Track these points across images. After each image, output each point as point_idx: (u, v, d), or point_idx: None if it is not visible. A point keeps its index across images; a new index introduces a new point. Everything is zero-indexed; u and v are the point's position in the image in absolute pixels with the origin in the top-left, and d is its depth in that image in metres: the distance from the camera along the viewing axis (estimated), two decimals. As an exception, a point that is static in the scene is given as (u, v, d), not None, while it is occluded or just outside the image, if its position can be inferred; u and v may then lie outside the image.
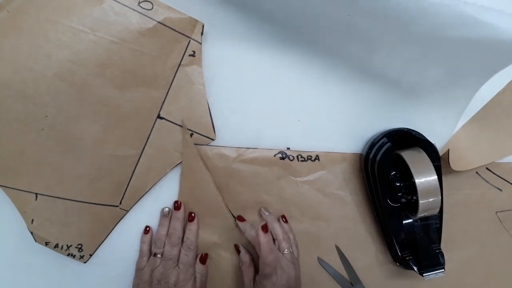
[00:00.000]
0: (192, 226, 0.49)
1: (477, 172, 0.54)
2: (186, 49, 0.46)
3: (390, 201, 0.49)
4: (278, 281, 0.44)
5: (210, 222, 0.51)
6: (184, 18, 0.45)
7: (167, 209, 0.50)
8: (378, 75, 0.49)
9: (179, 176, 0.50)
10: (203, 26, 0.46)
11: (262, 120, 0.50)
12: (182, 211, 0.50)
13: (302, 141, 0.51)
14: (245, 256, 0.49)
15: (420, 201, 0.44)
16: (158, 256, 0.47)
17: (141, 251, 0.50)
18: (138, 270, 0.49)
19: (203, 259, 0.50)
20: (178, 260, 0.47)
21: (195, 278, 0.48)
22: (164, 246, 0.48)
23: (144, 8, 0.44)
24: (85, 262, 0.50)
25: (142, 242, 0.50)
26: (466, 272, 0.55)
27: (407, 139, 0.48)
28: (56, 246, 0.48)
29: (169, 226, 0.49)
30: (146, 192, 0.50)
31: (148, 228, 0.50)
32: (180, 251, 0.48)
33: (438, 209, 0.45)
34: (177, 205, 0.49)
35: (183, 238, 0.49)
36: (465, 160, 0.51)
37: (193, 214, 0.50)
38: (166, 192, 0.51)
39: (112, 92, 0.45)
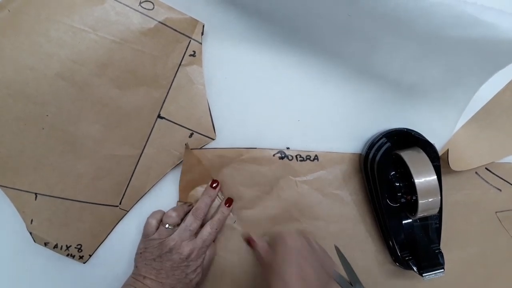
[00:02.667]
0: (226, 211, 0.50)
1: (476, 172, 0.54)
2: (186, 49, 0.47)
3: (389, 201, 0.49)
4: None
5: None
6: (184, 18, 0.45)
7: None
8: (378, 75, 0.49)
9: (179, 176, 0.50)
10: (203, 26, 0.46)
11: (262, 120, 0.50)
12: (216, 191, 0.50)
13: (302, 141, 0.51)
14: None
15: (420, 201, 0.44)
16: (171, 228, 0.47)
17: (152, 217, 0.49)
18: (146, 237, 0.47)
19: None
20: (195, 234, 0.47)
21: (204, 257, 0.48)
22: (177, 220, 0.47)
23: (145, 8, 0.44)
24: (84, 263, 0.50)
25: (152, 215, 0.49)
26: (465, 272, 0.55)
27: (406, 139, 0.48)
28: (56, 246, 0.48)
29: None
30: (146, 192, 0.50)
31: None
32: (206, 225, 0.48)
33: (437, 209, 0.45)
34: (214, 185, 0.50)
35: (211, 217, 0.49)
36: (465, 160, 0.52)
37: (229, 203, 0.50)
38: (166, 192, 0.51)
39: (113, 91, 0.45)
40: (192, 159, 0.49)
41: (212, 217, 0.49)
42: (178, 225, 0.47)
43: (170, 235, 0.46)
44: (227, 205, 0.50)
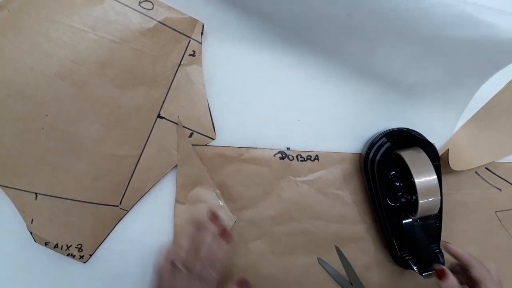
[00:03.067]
0: (223, 244, 0.44)
1: (476, 172, 0.54)
2: (186, 49, 0.47)
3: (389, 201, 0.49)
4: None
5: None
6: (184, 18, 0.45)
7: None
8: (378, 75, 0.49)
9: (176, 175, 0.50)
10: (203, 26, 0.46)
11: (262, 119, 0.50)
12: (217, 226, 0.44)
13: (302, 141, 0.51)
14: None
15: (420, 201, 0.44)
16: (180, 267, 0.42)
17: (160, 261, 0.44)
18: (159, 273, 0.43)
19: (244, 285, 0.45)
20: (200, 275, 0.42)
21: None
22: (187, 258, 0.43)
23: (144, 8, 0.44)
24: (85, 262, 0.50)
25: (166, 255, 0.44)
26: (465, 271, 0.55)
27: (406, 139, 0.48)
28: (56, 246, 0.48)
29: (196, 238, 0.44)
30: (146, 192, 0.50)
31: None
32: (204, 267, 0.43)
33: (437, 209, 0.45)
34: (213, 217, 0.45)
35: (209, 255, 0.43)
36: (465, 160, 0.52)
37: (227, 232, 0.44)
38: (166, 192, 0.50)
39: (112, 91, 0.45)
40: (187, 147, 0.49)
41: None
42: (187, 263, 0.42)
43: (179, 279, 0.42)
44: (225, 237, 0.44)
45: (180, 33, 0.46)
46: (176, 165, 0.49)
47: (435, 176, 0.44)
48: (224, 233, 0.44)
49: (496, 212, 0.55)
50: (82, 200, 0.48)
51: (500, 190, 0.55)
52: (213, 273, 0.43)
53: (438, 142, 0.52)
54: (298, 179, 0.52)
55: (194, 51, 0.47)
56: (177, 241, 0.45)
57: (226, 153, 0.50)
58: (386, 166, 0.48)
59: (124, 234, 0.50)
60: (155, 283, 0.44)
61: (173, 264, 0.42)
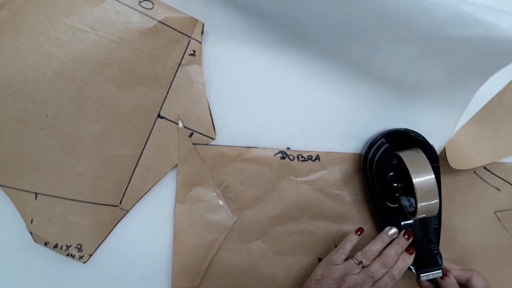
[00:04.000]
0: (409, 259, 0.47)
1: (475, 172, 0.54)
2: (186, 49, 0.47)
3: (388, 201, 0.49)
4: None
5: (210, 219, 0.51)
6: (184, 18, 0.45)
7: (394, 230, 0.49)
8: (378, 75, 0.49)
9: (176, 174, 0.50)
10: (203, 25, 0.46)
11: (262, 119, 0.50)
12: (409, 242, 0.48)
13: (302, 141, 0.51)
14: None
15: (419, 203, 0.43)
16: (360, 266, 0.46)
17: (342, 247, 0.48)
18: (330, 262, 0.47)
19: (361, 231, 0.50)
20: (376, 282, 0.45)
21: None
22: (372, 261, 0.46)
23: (144, 8, 0.44)
24: (84, 263, 0.50)
25: (349, 240, 0.49)
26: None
27: (406, 140, 0.48)
28: (56, 246, 0.48)
29: (386, 246, 0.48)
30: (146, 192, 0.50)
31: (360, 231, 0.49)
32: (384, 275, 0.46)
33: (436, 211, 0.44)
34: (408, 235, 0.48)
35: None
36: (465, 160, 0.52)
37: (412, 249, 0.48)
38: (166, 192, 0.50)
39: (112, 91, 0.45)
40: (187, 146, 0.48)
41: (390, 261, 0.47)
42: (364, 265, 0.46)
43: (355, 273, 0.45)
44: (409, 252, 0.48)
45: (180, 32, 0.46)
46: (176, 165, 0.49)
47: (433, 176, 0.43)
48: (411, 250, 0.48)
49: (495, 212, 0.55)
50: (82, 200, 0.48)
51: (499, 190, 0.55)
52: (389, 284, 0.45)
53: (438, 142, 0.52)
54: (298, 179, 0.52)
55: (194, 51, 0.47)
56: (370, 243, 0.48)
57: (226, 152, 0.50)
58: (384, 167, 0.48)
59: (124, 234, 0.50)
60: (324, 266, 0.47)
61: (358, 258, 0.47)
